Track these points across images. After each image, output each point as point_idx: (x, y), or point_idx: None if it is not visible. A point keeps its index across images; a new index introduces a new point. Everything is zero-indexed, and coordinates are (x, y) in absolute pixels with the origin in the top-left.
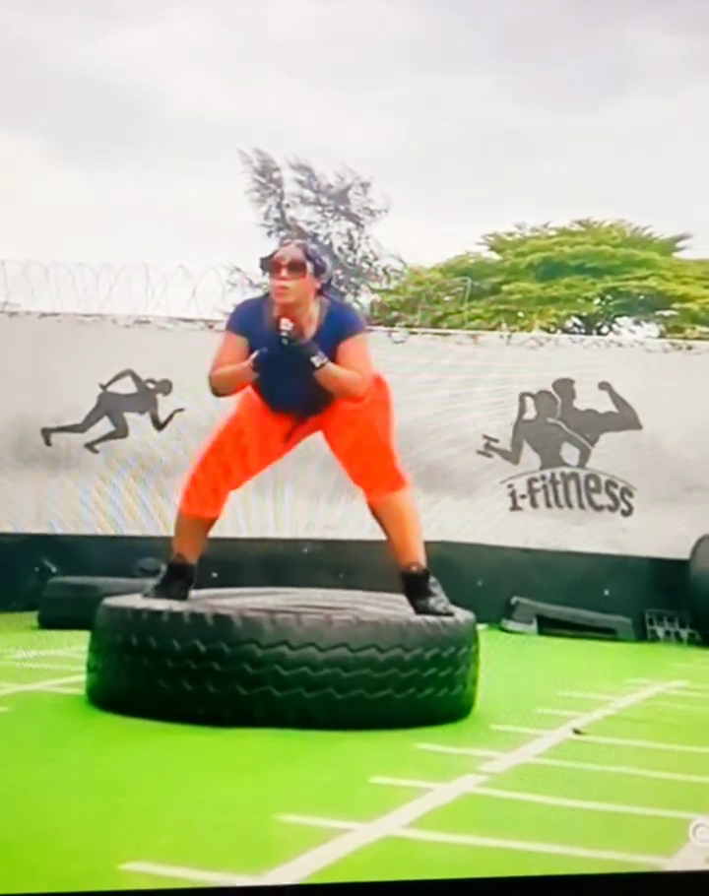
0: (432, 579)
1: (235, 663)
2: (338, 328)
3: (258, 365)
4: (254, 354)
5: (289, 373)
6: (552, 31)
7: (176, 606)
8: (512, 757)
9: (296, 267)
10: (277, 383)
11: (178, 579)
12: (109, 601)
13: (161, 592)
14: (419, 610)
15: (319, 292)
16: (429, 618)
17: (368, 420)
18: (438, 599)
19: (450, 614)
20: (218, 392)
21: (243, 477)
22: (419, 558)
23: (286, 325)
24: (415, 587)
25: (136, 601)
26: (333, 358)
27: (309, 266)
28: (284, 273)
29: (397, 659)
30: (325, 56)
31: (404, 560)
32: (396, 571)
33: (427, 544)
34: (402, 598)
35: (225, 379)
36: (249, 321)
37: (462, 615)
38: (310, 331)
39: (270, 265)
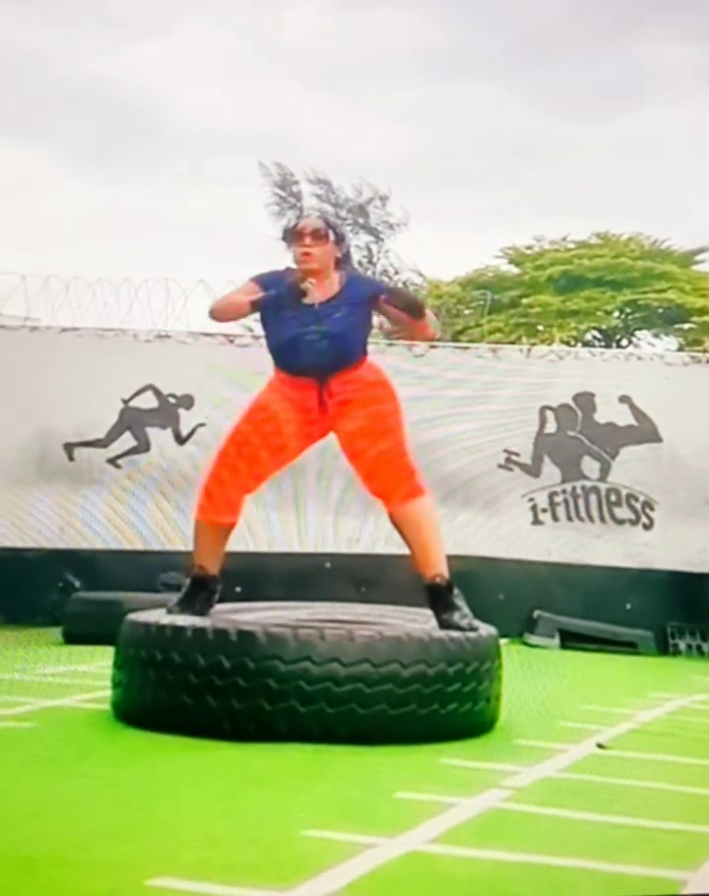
0: (456, 591)
1: (259, 678)
2: (363, 290)
3: (259, 304)
4: (261, 294)
5: (306, 331)
6: (568, 40)
7: (200, 621)
8: (536, 771)
9: (319, 235)
10: (296, 343)
11: (201, 592)
12: (133, 616)
13: (185, 606)
14: (443, 625)
15: (338, 263)
16: (452, 633)
17: (383, 427)
18: (463, 613)
19: (474, 629)
20: (213, 314)
21: (256, 480)
22: (443, 570)
23: (308, 284)
24: (439, 600)
25: (160, 616)
26: (367, 315)
27: (331, 235)
28: (307, 240)
29: (420, 674)
30: (341, 67)
31: (427, 572)
32: (417, 584)
33: (447, 557)
34: (424, 611)
35: (223, 302)
36: (272, 281)
37: (484, 630)
38: (331, 292)
39: (293, 234)
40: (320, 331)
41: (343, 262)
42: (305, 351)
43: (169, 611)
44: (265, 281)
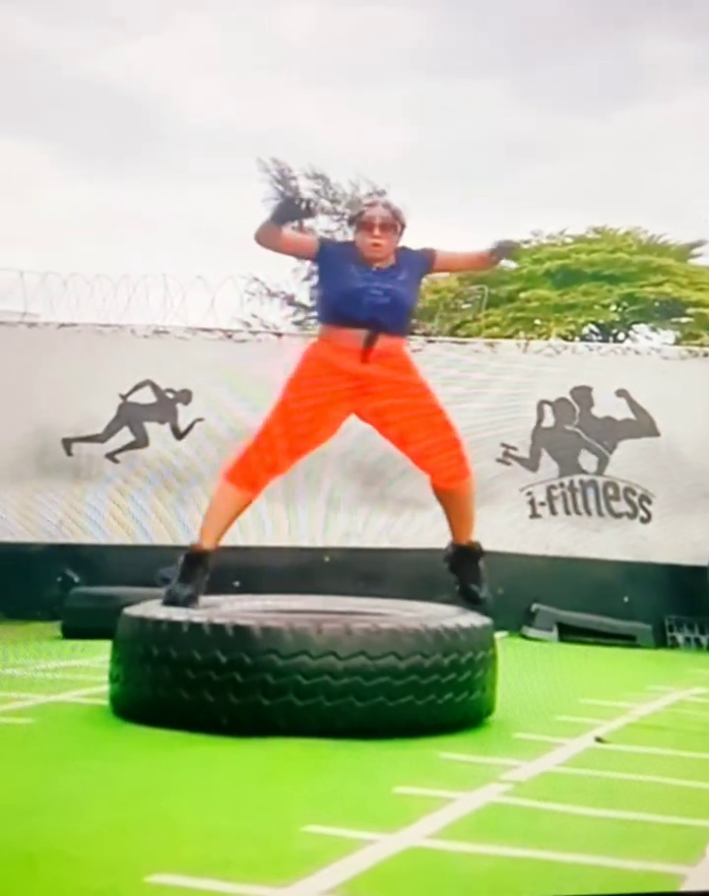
0: (483, 564)
1: (256, 673)
2: (417, 259)
3: (276, 212)
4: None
5: (371, 286)
6: (564, 36)
7: (196, 616)
8: (535, 766)
9: (387, 226)
10: (360, 296)
11: (197, 567)
12: (130, 611)
13: (185, 582)
14: (466, 593)
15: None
16: (447, 624)
17: (435, 404)
18: (483, 588)
19: (486, 602)
20: (257, 239)
21: (291, 460)
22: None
23: None
24: (469, 564)
25: (156, 611)
26: (436, 270)
27: (398, 226)
28: (376, 232)
29: (417, 665)
30: (338, 63)
31: (463, 539)
32: (416, 578)
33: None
34: (420, 604)
35: (260, 228)
36: (333, 245)
37: (478, 619)
38: (391, 263)
39: (360, 223)
40: (384, 288)
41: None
42: (368, 303)
43: (170, 589)
44: (327, 243)
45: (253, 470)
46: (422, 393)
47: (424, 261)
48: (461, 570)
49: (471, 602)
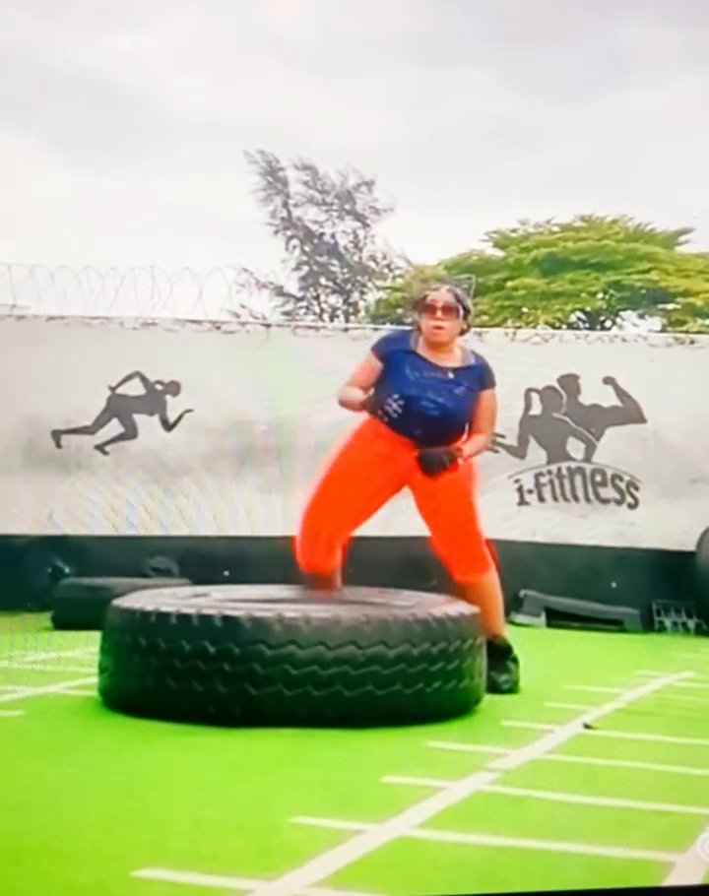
0: (514, 655)
1: (245, 663)
2: (481, 375)
3: (372, 407)
4: (383, 405)
5: (423, 396)
6: (549, 23)
7: (185, 607)
8: (523, 753)
9: (449, 309)
10: (409, 407)
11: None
12: (118, 601)
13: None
14: (490, 683)
15: (462, 333)
16: (435, 612)
17: (468, 505)
18: (508, 678)
19: (511, 691)
20: (340, 403)
21: (352, 524)
22: (502, 631)
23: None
24: (493, 657)
25: (145, 601)
26: (474, 401)
27: (460, 309)
28: (439, 314)
29: (405, 654)
30: (325, 53)
31: (490, 631)
32: (400, 565)
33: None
34: (407, 592)
35: (344, 400)
36: (393, 347)
37: (467, 608)
38: (455, 364)
39: (424, 306)
40: (437, 402)
41: (463, 332)
42: (417, 416)
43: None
44: (383, 349)
45: (311, 545)
46: (463, 493)
47: (483, 384)
48: (488, 659)
49: (492, 691)
